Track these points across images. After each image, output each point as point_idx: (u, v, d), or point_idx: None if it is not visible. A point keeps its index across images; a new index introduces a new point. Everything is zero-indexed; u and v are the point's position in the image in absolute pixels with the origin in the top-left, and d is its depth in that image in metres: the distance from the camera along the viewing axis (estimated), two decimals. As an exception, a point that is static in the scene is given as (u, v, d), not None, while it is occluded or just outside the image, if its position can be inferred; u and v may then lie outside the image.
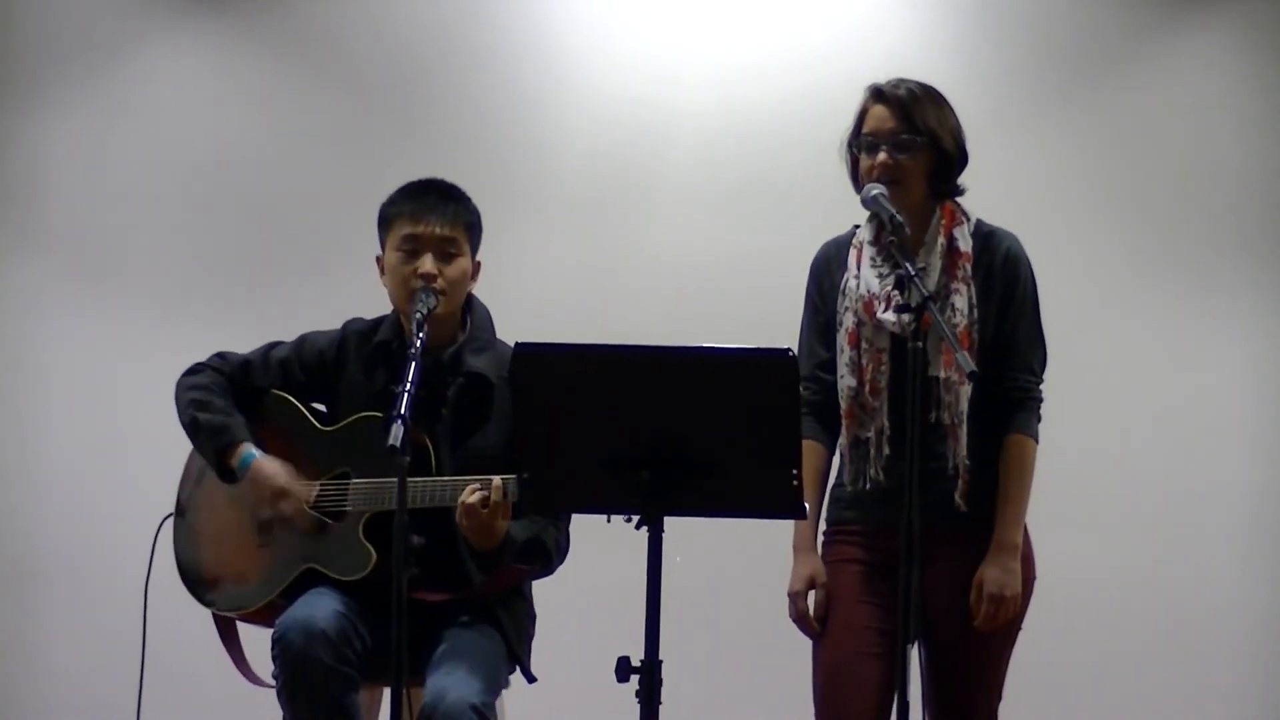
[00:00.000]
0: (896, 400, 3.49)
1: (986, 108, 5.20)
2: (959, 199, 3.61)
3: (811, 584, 3.60)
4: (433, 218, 3.74)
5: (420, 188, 3.80)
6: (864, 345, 3.55)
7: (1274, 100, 5.39)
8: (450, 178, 3.86)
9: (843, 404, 3.58)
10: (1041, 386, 3.59)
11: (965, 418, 3.50)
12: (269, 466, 3.74)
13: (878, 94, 3.57)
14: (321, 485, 3.74)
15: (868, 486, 3.54)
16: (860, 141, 3.57)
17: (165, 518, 3.88)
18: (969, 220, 3.59)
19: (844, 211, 3.67)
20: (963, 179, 3.61)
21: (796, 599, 3.60)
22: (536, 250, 5.39)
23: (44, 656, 5.44)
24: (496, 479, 3.53)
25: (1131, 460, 5.31)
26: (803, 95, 5.34)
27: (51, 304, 5.55)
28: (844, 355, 3.58)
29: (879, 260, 3.57)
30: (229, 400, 3.80)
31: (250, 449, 3.74)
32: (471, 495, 3.53)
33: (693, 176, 5.45)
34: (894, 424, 3.51)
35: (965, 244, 3.55)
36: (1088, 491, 5.19)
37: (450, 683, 3.50)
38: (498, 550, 3.60)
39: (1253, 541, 5.32)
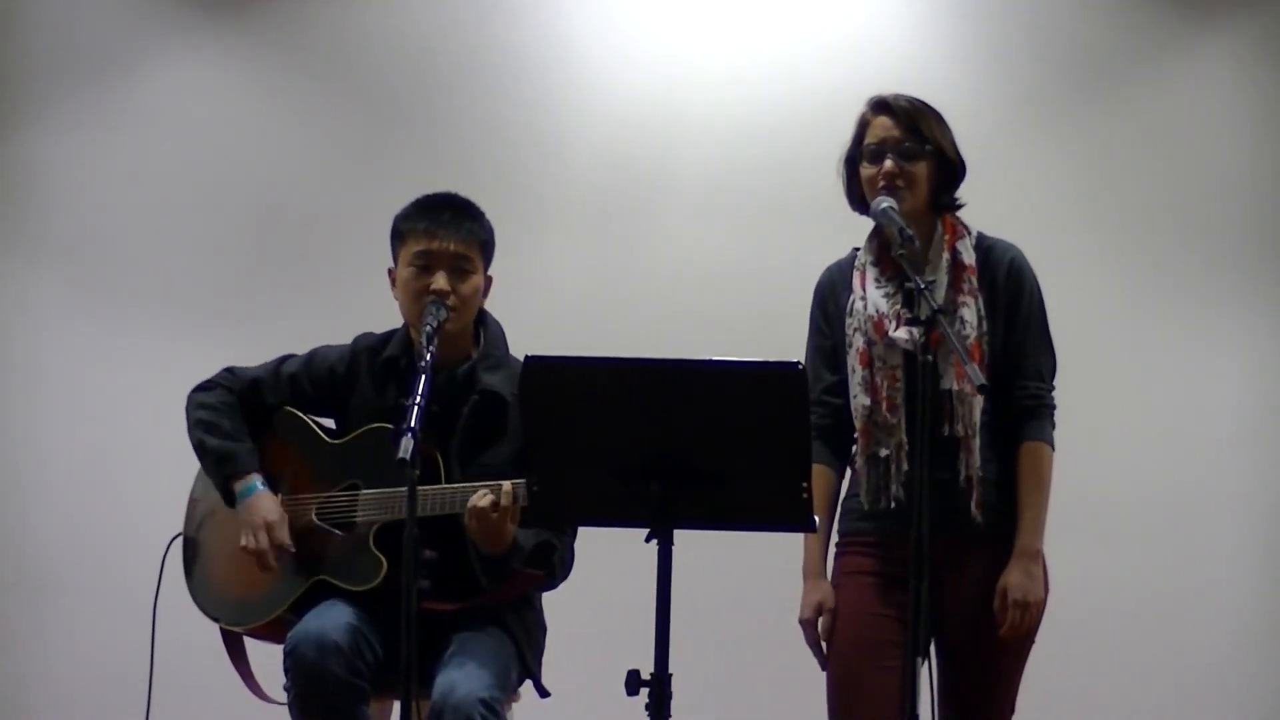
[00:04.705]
0: (913, 416, 3.48)
1: (987, 119, 5.22)
2: (958, 213, 3.62)
3: (820, 610, 3.59)
4: (447, 234, 3.72)
5: (435, 203, 3.78)
6: (877, 364, 3.55)
7: (1273, 116, 5.39)
8: (461, 185, 3.86)
9: (857, 423, 3.57)
10: (1053, 393, 3.59)
11: (978, 429, 3.50)
12: (263, 502, 3.71)
13: (881, 105, 3.59)
14: (329, 498, 3.74)
15: (892, 505, 3.52)
16: (863, 152, 3.57)
17: (174, 538, 3.87)
18: (970, 234, 3.61)
19: (856, 218, 3.66)
20: (962, 191, 3.63)
21: (807, 627, 3.60)
22: (548, 257, 5.40)
23: (51, 667, 5.44)
24: (506, 484, 3.53)
25: (1132, 471, 5.31)
26: (816, 100, 5.35)
27: (57, 313, 5.56)
28: (856, 375, 3.57)
29: (884, 280, 3.57)
30: (237, 421, 3.79)
31: (255, 480, 3.73)
32: (482, 499, 3.53)
33: (706, 183, 5.46)
34: (912, 439, 3.50)
35: (969, 257, 3.56)
36: (1089, 502, 5.16)
37: (459, 677, 3.49)
38: (505, 556, 3.60)
39: (1254, 552, 5.32)
